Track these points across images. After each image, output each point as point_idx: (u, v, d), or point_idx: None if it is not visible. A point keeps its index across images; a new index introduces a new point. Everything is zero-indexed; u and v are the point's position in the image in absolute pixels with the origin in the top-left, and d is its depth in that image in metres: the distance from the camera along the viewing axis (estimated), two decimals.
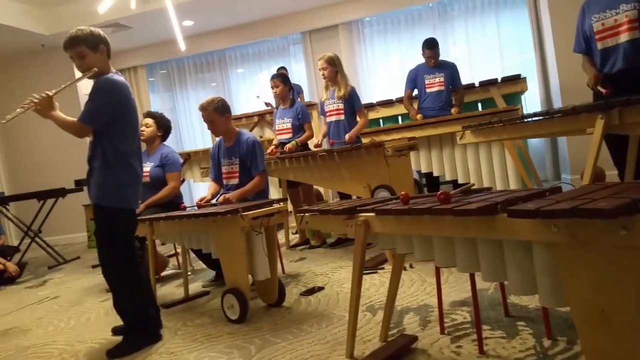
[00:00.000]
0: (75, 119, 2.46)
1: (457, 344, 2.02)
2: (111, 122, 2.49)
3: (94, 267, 4.93)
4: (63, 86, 2.55)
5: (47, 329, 3.10)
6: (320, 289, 3.13)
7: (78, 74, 2.58)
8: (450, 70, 4.82)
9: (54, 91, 2.49)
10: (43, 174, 7.28)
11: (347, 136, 4.15)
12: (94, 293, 3.83)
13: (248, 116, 6.45)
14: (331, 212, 2.04)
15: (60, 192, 5.67)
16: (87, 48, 2.48)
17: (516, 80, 5.03)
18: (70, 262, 5.64)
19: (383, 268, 3.41)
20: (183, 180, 5.53)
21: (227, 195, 3.34)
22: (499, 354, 1.87)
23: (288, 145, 4.37)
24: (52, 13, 6.44)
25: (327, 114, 4.36)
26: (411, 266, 3.32)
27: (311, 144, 4.54)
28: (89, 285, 4.17)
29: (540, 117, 2.40)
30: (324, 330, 2.39)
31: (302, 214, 2.20)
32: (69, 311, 3.46)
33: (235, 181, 3.49)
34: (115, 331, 2.76)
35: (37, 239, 5.75)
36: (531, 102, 5.88)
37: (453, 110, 4.66)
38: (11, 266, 4.89)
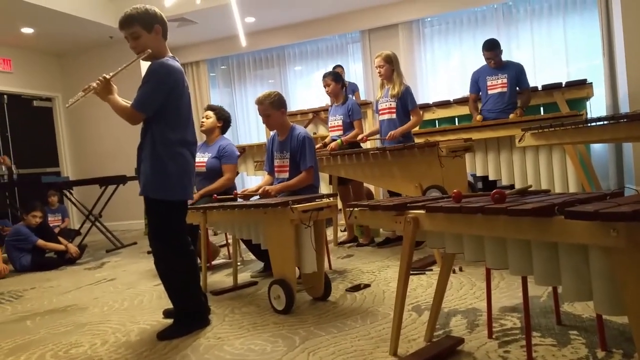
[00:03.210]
0: (128, 105, 2.43)
1: (505, 349, 1.96)
2: (162, 110, 2.43)
3: (149, 252, 5.12)
4: (119, 69, 2.49)
5: (103, 308, 3.24)
6: (367, 286, 3.12)
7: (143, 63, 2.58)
8: (515, 71, 4.65)
9: (111, 74, 2.48)
10: (106, 161, 7.66)
11: (390, 134, 4.10)
12: (148, 277, 3.99)
13: (303, 113, 6.51)
14: (380, 208, 2.03)
15: (121, 180, 5.93)
16: (141, 28, 2.42)
17: (582, 85, 4.81)
18: (127, 247, 5.89)
19: (431, 270, 3.36)
20: (237, 173, 5.68)
21: (267, 188, 3.39)
22: None
23: (332, 145, 4.37)
24: (121, 6, 6.73)
25: (380, 112, 4.33)
26: (460, 269, 3.26)
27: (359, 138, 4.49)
28: (144, 269, 4.35)
29: (606, 122, 2.29)
30: (368, 327, 2.38)
31: (351, 209, 2.20)
32: (124, 293, 3.61)
33: (285, 175, 3.53)
34: (166, 314, 2.86)
35: (97, 224, 6.04)
36: (597, 109, 5.62)
37: (513, 114, 4.52)
38: (72, 247, 5.15)
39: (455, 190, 1.76)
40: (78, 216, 7.46)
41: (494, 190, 1.54)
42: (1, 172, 6.83)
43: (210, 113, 4.15)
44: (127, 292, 3.63)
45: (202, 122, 4.11)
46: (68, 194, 6.26)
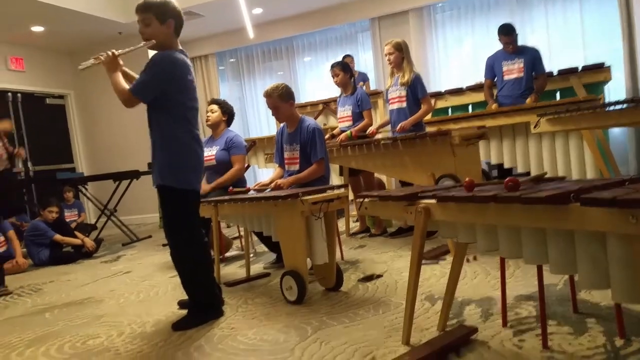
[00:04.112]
0: (127, 87, 2.44)
1: (520, 337, 1.94)
2: (165, 100, 2.46)
3: (164, 245, 5.16)
4: (127, 50, 2.53)
5: (119, 300, 3.28)
6: (379, 276, 3.11)
7: (151, 52, 2.57)
8: (530, 56, 4.57)
9: (120, 51, 2.51)
10: (119, 156, 7.71)
11: (399, 126, 4.05)
12: (163, 269, 4.02)
13: (313, 104, 6.48)
14: (391, 198, 2.00)
15: (134, 174, 5.98)
16: (154, 17, 2.43)
17: (599, 69, 4.70)
18: (143, 241, 5.94)
19: (445, 259, 3.34)
20: (248, 166, 5.68)
21: (278, 182, 3.39)
22: (564, 350, 1.78)
23: (341, 136, 4.33)
24: (129, 2, 6.75)
25: (390, 101, 4.28)
26: (475, 258, 3.22)
27: (369, 132, 4.46)
28: (159, 262, 4.38)
29: (624, 105, 2.24)
30: (380, 317, 2.37)
31: (362, 200, 2.18)
32: (140, 285, 3.64)
33: (295, 167, 3.52)
34: (181, 305, 2.88)
35: (112, 218, 6.10)
36: (616, 93, 5.49)
37: (528, 100, 4.44)
38: (89, 242, 5.21)
39: (467, 179, 1.72)
40: (94, 211, 7.54)
41: (508, 178, 1.51)
42: (18, 168, 6.93)
43: (215, 107, 4.14)
44: (143, 284, 3.66)
45: (208, 116, 4.10)
46: (83, 189, 6.33)
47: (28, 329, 2.86)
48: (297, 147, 3.52)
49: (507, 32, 4.54)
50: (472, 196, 1.59)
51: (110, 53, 2.48)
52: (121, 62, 2.55)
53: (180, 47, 2.58)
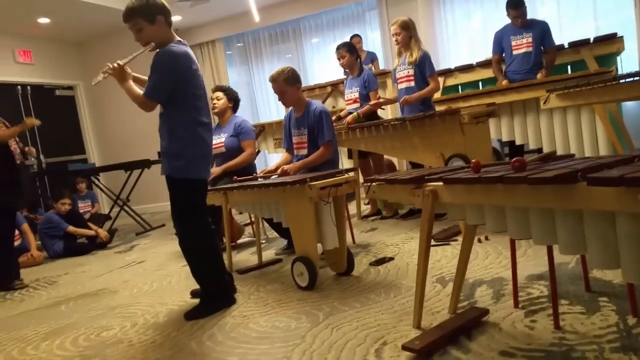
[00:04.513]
0: (141, 93, 2.48)
1: (532, 318, 1.92)
2: (174, 93, 2.47)
3: (176, 234, 5.19)
4: (130, 57, 2.53)
5: (133, 291, 3.31)
6: (390, 259, 3.10)
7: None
8: (540, 29, 4.45)
9: (124, 60, 2.52)
10: (131, 145, 7.75)
11: (404, 98, 3.98)
12: (177, 258, 4.05)
13: (321, 86, 6.41)
14: (398, 182, 1.98)
15: (145, 164, 6.01)
16: (143, 20, 2.43)
17: (611, 39, 4.56)
18: (156, 229, 6.00)
19: (456, 240, 3.31)
20: (258, 152, 5.67)
21: (285, 167, 3.37)
22: (576, 330, 1.76)
23: (348, 118, 4.28)
24: None
25: (398, 80, 4.21)
26: (487, 238, 3.20)
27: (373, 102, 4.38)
28: (172, 250, 4.42)
29: (635, 78, 2.17)
30: (392, 300, 2.36)
31: (369, 184, 2.16)
32: (153, 275, 3.68)
33: (304, 151, 3.49)
34: (194, 294, 2.90)
35: (125, 207, 6.16)
36: (629, 64, 5.34)
37: (539, 75, 4.35)
38: (102, 232, 5.28)
39: (474, 160, 1.69)
40: (107, 201, 7.61)
41: (514, 159, 1.47)
42: (30, 162, 7.00)
43: (220, 94, 4.12)
44: (156, 273, 3.70)
45: (214, 104, 4.07)
46: (95, 180, 6.38)
47: (43, 321, 2.91)
48: (305, 131, 3.49)
49: (515, 5, 4.43)
50: (478, 177, 1.56)
51: (116, 65, 2.51)
52: (128, 70, 2.58)
53: (178, 38, 2.57)
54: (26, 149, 4.52)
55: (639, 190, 1.09)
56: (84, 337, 2.53)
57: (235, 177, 3.69)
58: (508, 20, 4.61)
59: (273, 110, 8.06)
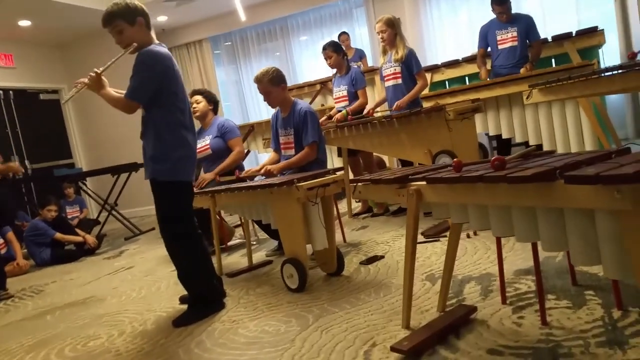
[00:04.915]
0: (122, 95, 2.47)
1: (519, 314, 1.92)
2: (157, 95, 2.45)
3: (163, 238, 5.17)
4: (109, 63, 2.51)
5: (121, 298, 3.28)
6: (381, 257, 3.09)
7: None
8: (524, 24, 4.48)
9: (101, 69, 2.50)
10: (119, 148, 7.67)
11: (396, 104, 4.01)
12: (166, 263, 4.01)
13: (310, 84, 6.39)
14: (383, 182, 1.97)
15: (132, 167, 5.97)
16: (123, 22, 2.43)
17: (592, 33, 4.60)
18: (146, 233, 5.95)
19: (446, 236, 3.31)
20: (248, 152, 5.65)
21: (269, 167, 3.36)
22: (563, 326, 1.76)
23: (337, 116, 4.29)
24: None
25: (385, 78, 4.23)
26: (475, 234, 3.20)
27: (366, 112, 4.44)
28: (161, 254, 4.37)
29: (614, 72, 2.18)
30: (381, 300, 2.36)
31: (355, 184, 2.16)
32: (142, 281, 3.65)
33: (291, 152, 3.48)
34: (182, 300, 2.87)
35: (113, 212, 6.11)
36: (610, 56, 5.39)
37: (523, 69, 4.37)
38: (90, 238, 5.22)
39: (455, 160, 1.69)
40: (95, 206, 7.55)
41: (494, 157, 1.47)
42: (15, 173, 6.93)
43: (199, 97, 4.09)
44: (145, 279, 3.67)
45: (194, 108, 4.01)
46: (82, 185, 6.32)
47: (28, 333, 2.87)
48: (291, 131, 3.48)
49: (500, 2, 4.45)
50: (459, 177, 1.56)
51: (93, 73, 2.48)
52: (104, 80, 2.53)
53: (157, 41, 2.56)
54: (9, 172, 4.49)
55: (616, 188, 1.09)
56: (70, 347, 2.50)
57: (237, 172, 3.68)
58: (494, 16, 4.62)
59: (263, 109, 8.03)
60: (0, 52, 7.10)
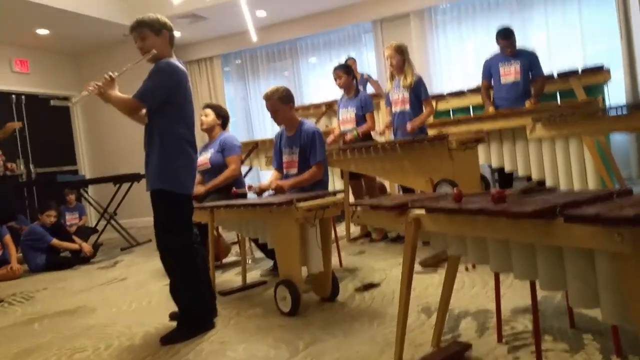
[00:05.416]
0: (128, 97, 2.48)
1: (515, 354, 1.87)
2: (166, 105, 2.50)
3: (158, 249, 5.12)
4: (124, 68, 2.56)
5: (111, 310, 3.23)
6: (377, 285, 3.04)
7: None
8: (528, 59, 4.51)
9: (117, 73, 2.55)
10: (123, 158, 7.68)
11: (408, 125, 4.02)
12: (159, 276, 3.96)
13: (316, 106, 6.41)
14: (382, 208, 1.95)
15: (135, 177, 5.96)
16: (150, 30, 2.52)
17: (598, 71, 4.61)
18: (142, 245, 5.90)
19: (444, 267, 3.26)
20: (250, 169, 5.64)
21: (279, 183, 3.34)
22: None
23: (348, 136, 4.31)
24: (133, 4, 6.74)
25: (392, 103, 4.24)
26: (474, 267, 3.15)
27: (374, 134, 4.44)
28: (156, 268, 4.32)
29: (621, 111, 2.16)
30: (374, 330, 2.31)
31: (354, 209, 2.13)
32: (134, 293, 3.60)
33: (294, 171, 3.47)
34: (172, 317, 2.81)
35: (112, 221, 6.08)
36: (615, 94, 5.39)
37: (527, 103, 4.37)
38: (86, 247, 5.19)
39: (455, 190, 1.66)
40: (95, 214, 7.53)
41: (494, 190, 1.45)
42: (20, 171, 6.94)
43: (208, 111, 4.10)
44: (137, 292, 3.62)
45: (202, 120, 4.05)
46: (83, 192, 6.31)
47: (14, 340, 2.82)
48: (296, 150, 3.47)
49: (506, 36, 4.49)
50: (459, 208, 1.53)
51: (107, 77, 2.52)
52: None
53: (175, 57, 2.63)
54: (8, 164, 4.47)
55: (616, 230, 1.06)
56: (54, 358, 2.45)
57: (235, 189, 3.66)
58: (499, 47, 4.65)
59: (268, 127, 8.03)
60: (17, 58, 7.19)
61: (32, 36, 6.87)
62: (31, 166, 7.18)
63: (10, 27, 6.37)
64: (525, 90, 4.50)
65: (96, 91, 2.50)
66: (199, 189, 3.88)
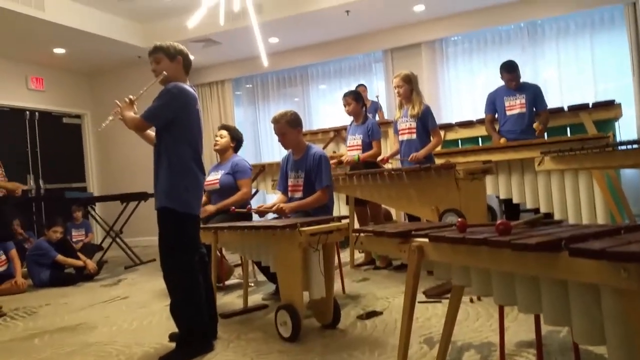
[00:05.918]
0: (137, 115, 2.61)
1: None
2: (172, 125, 2.57)
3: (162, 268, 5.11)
4: (141, 92, 2.70)
5: (112, 328, 3.21)
6: (379, 313, 3.01)
7: None
8: (532, 92, 4.55)
9: (135, 96, 2.69)
10: (131, 177, 7.73)
11: (412, 155, 4.02)
12: (161, 296, 3.95)
13: (324, 131, 6.45)
14: (385, 235, 1.94)
15: (142, 196, 5.98)
16: (165, 55, 2.64)
17: (610, 105, 4.62)
18: (146, 264, 5.90)
19: (448, 298, 3.22)
20: (257, 191, 5.65)
21: (282, 206, 3.34)
22: None
23: (347, 159, 4.32)
24: (149, 27, 6.88)
25: (400, 132, 4.26)
26: (479, 299, 3.11)
27: (380, 159, 4.43)
28: (159, 288, 4.31)
29: (630, 146, 2.16)
30: None
31: (357, 235, 2.12)
32: (135, 312, 3.58)
33: (299, 194, 3.47)
34: (172, 338, 2.80)
35: (117, 239, 6.08)
36: (627, 131, 5.39)
37: (535, 124, 4.40)
38: (90, 264, 5.18)
39: (459, 220, 1.65)
40: (101, 231, 7.54)
41: (499, 221, 1.44)
42: (29, 187, 7.00)
43: (224, 132, 4.15)
44: (139, 311, 3.60)
45: (217, 140, 4.11)
46: (90, 209, 6.34)
47: (13, 355, 2.80)
48: (302, 174, 3.49)
49: (510, 69, 4.54)
50: (463, 238, 1.52)
51: (127, 100, 2.67)
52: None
53: (189, 83, 2.72)
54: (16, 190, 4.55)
55: (622, 266, 1.04)
56: None
57: (233, 208, 3.67)
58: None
59: (276, 151, 8.09)
60: (32, 76, 7.33)
61: (48, 55, 7.02)
62: (41, 182, 7.24)
63: (27, 45, 6.51)
64: (531, 122, 4.53)
65: (119, 115, 2.64)
66: (209, 207, 3.89)
